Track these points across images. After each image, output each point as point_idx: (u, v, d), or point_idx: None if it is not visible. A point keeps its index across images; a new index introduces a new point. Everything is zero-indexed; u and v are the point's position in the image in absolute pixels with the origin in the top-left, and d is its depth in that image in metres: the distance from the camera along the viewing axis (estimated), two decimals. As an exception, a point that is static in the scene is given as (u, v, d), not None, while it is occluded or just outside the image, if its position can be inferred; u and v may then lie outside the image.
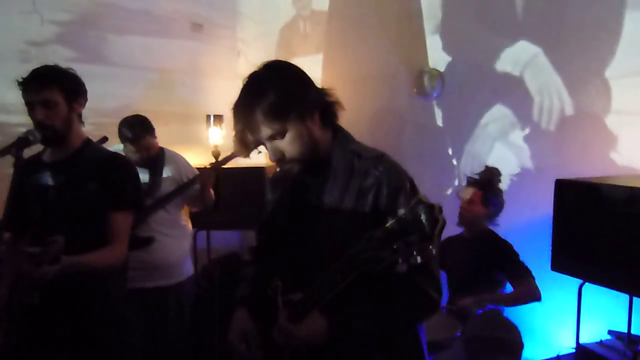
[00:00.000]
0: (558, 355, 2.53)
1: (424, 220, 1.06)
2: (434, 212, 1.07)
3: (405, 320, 1.39)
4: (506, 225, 2.82)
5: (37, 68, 1.84)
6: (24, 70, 1.85)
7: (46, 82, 1.79)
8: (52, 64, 1.87)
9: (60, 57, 3.23)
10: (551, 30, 2.90)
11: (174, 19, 3.98)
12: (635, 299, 2.37)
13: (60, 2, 3.34)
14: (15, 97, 1.87)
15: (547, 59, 2.92)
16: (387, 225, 1.11)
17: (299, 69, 1.41)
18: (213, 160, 3.95)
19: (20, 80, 1.83)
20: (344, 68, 3.81)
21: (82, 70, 1.97)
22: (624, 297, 2.41)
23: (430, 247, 1.08)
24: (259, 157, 1.49)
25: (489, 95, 3.16)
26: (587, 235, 2.28)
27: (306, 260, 1.40)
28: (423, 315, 1.42)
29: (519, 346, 2.37)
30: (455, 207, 2.80)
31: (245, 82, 1.36)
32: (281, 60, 1.44)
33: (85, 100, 1.90)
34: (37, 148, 1.89)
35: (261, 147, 1.39)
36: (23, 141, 1.72)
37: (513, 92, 3.06)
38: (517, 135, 3.07)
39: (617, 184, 2.22)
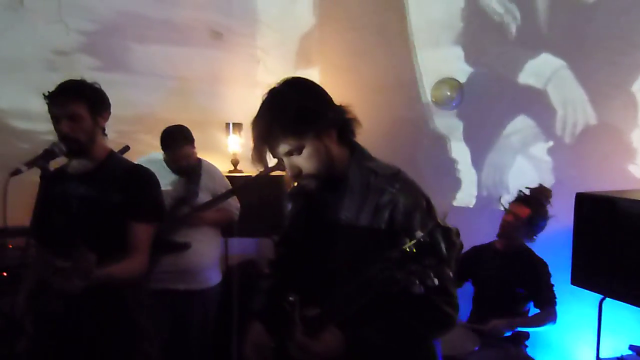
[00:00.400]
0: (578, 371, 2.51)
1: (441, 244, 1.08)
2: (452, 235, 1.09)
3: (421, 335, 1.40)
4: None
5: (64, 82, 1.87)
6: (49, 79, 1.90)
7: (72, 96, 1.82)
8: (78, 78, 1.91)
9: (85, 65, 3.30)
10: (576, 44, 2.88)
11: (194, 28, 4.03)
12: (657, 315, 2.34)
13: (86, 13, 3.40)
14: (40, 105, 1.90)
15: (571, 72, 2.89)
16: (405, 247, 1.13)
17: (318, 85, 1.42)
18: (232, 168, 4.00)
19: (47, 93, 1.86)
20: (362, 77, 3.82)
21: (104, 78, 2.01)
22: (646, 313, 2.38)
23: (447, 269, 1.09)
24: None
25: (509, 106, 3.15)
26: (607, 249, 2.26)
27: (321, 275, 1.41)
28: (439, 331, 1.42)
29: None
30: (475, 217, 2.79)
31: (264, 98, 1.38)
32: (300, 77, 1.45)
33: (109, 114, 1.94)
34: (61, 159, 1.93)
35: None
36: (49, 153, 1.76)
37: (534, 104, 3.04)
38: (538, 147, 3.05)
39: (638, 198, 2.19)
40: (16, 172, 1.68)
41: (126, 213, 1.86)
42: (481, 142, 3.30)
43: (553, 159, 2.99)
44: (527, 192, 2.77)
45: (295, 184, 1.60)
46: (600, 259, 2.29)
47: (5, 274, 2.76)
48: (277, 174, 3.69)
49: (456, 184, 3.38)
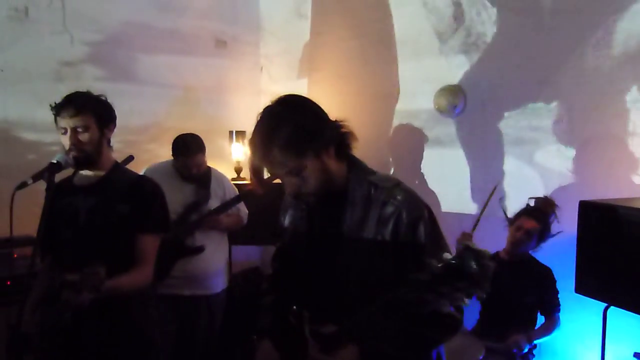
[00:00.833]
0: (583, 379, 2.50)
1: (473, 267, 1.09)
2: (484, 259, 1.09)
3: (432, 341, 1.41)
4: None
5: (71, 94, 1.89)
6: (55, 89, 1.92)
7: (81, 108, 1.84)
8: (85, 89, 1.93)
9: (90, 76, 3.32)
10: (579, 49, 2.88)
11: (199, 37, 4.06)
12: (662, 323, 2.33)
13: (91, 23, 3.43)
14: (47, 115, 1.92)
15: (573, 78, 2.89)
16: (434, 269, 1.13)
17: (313, 103, 1.43)
18: (235, 176, 4.02)
19: (54, 104, 1.88)
20: (365, 85, 3.83)
21: (110, 88, 2.04)
22: (651, 321, 2.37)
23: (479, 291, 1.11)
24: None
25: (513, 114, 3.14)
26: (611, 257, 2.25)
27: (328, 289, 1.41)
28: (448, 335, 1.42)
29: None
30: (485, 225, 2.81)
31: (260, 118, 1.37)
32: (295, 95, 1.45)
33: (115, 125, 1.96)
34: (66, 172, 1.95)
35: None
36: (55, 166, 1.77)
37: (537, 112, 3.04)
38: (542, 155, 3.04)
39: (643, 206, 2.19)
40: (22, 185, 1.70)
41: (132, 225, 1.88)
42: (484, 150, 3.29)
43: (557, 166, 2.98)
44: (533, 203, 2.77)
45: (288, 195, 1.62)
46: (604, 267, 2.28)
47: (9, 282, 2.78)
48: (281, 182, 3.69)
49: (458, 192, 3.38)
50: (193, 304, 2.94)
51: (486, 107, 3.25)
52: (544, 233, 2.71)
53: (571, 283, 2.41)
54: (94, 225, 1.86)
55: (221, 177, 3.14)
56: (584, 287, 2.38)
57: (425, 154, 3.57)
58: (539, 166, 3.06)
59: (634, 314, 2.28)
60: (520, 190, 3.02)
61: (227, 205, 3.01)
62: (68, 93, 1.91)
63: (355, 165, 1.46)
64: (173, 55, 3.87)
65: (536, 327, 2.74)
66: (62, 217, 1.88)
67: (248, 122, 4.38)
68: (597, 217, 2.32)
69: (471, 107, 3.31)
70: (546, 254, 2.78)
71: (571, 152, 2.92)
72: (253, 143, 1.36)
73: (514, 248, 2.75)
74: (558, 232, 2.71)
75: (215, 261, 3.03)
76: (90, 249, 1.84)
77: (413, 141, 3.61)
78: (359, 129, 1.46)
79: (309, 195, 1.40)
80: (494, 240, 2.83)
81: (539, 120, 3.04)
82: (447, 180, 3.44)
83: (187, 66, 3.97)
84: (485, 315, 2.82)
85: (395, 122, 3.72)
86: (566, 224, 2.64)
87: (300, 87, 4.11)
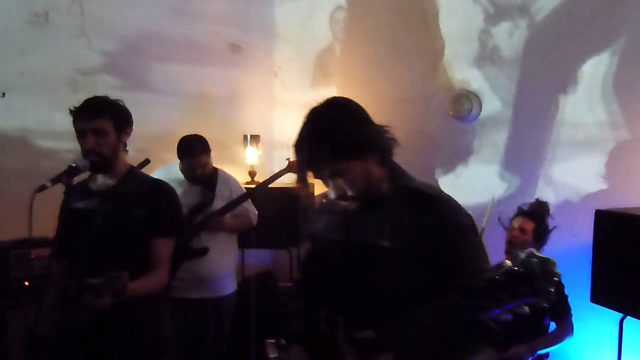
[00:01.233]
0: (598, 390, 2.47)
1: (537, 274, 1.07)
2: (549, 266, 1.08)
3: (468, 352, 1.36)
4: (544, 252, 2.78)
5: (90, 98, 1.92)
6: (72, 98, 1.94)
7: (99, 111, 1.87)
8: (103, 95, 1.96)
9: (106, 85, 3.34)
10: (595, 59, 2.86)
11: (213, 42, 4.09)
12: (679, 334, 2.29)
13: (108, 31, 3.46)
14: (63, 123, 1.94)
15: (591, 87, 2.87)
16: (493, 274, 1.11)
17: (359, 106, 1.43)
18: (249, 179, 4.04)
19: (73, 108, 1.91)
20: (379, 90, 3.83)
21: (126, 97, 2.04)
22: (668, 332, 2.33)
23: (542, 300, 1.09)
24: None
25: (529, 120, 3.13)
26: (628, 266, 2.23)
27: (364, 296, 1.39)
28: (483, 347, 1.37)
29: None
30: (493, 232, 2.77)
31: (306, 119, 1.37)
32: (343, 98, 1.45)
33: (131, 130, 1.98)
34: (82, 175, 1.96)
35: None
36: (73, 169, 1.79)
37: (553, 119, 3.02)
38: (558, 162, 3.02)
39: (660, 216, 2.17)
40: (41, 188, 1.72)
41: (148, 228, 1.89)
42: (499, 157, 3.28)
43: (574, 173, 2.96)
44: (526, 207, 2.76)
45: (323, 199, 1.61)
46: (620, 277, 2.26)
47: (27, 283, 2.82)
48: (292, 186, 3.71)
49: (472, 198, 3.36)
50: (201, 307, 2.92)
51: (501, 114, 3.24)
52: (540, 231, 2.69)
53: (587, 292, 2.39)
54: (110, 229, 1.88)
55: (227, 178, 3.11)
56: (599, 297, 2.36)
57: (439, 159, 3.56)
58: (555, 174, 3.03)
59: (651, 325, 2.25)
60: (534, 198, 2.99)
61: (231, 205, 2.98)
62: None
63: (396, 172, 1.45)
64: (187, 63, 3.89)
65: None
66: (78, 221, 1.90)
67: (262, 126, 4.44)
68: (613, 225, 2.30)
69: (487, 114, 3.30)
70: (561, 262, 2.73)
71: (587, 161, 2.90)
72: (300, 145, 1.36)
73: (510, 247, 2.73)
74: (554, 227, 2.68)
75: (222, 263, 3.00)
76: (106, 253, 1.86)
77: (428, 146, 3.60)
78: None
79: (351, 199, 1.39)
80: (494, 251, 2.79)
81: (554, 127, 3.02)
82: (461, 187, 3.42)
83: (202, 74, 3.99)
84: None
85: (410, 127, 3.71)
86: (582, 232, 2.61)
87: (315, 95, 4.12)
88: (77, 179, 1.89)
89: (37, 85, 3.18)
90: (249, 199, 3.16)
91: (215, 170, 3.07)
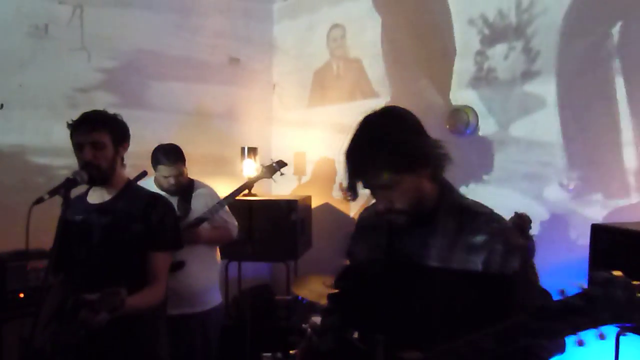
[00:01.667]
0: (595, 407, 2.45)
1: (620, 299, 1.01)
2: (635, 292, 1.02)
3: None
4: (540, 266, 2.77)
5: (88, 112, 1.93)
6: (71, 115, 1.95)
7: (97, 125, 1.88)
8: (101, 109, 1.97)
9: (105, 102, 3.34)
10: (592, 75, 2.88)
11: (212, 56, 4.12)
12: (676, 350, 2.29)
13: (106, 46, 3.49)
14: (60, 140, 1.95)
15: (592, 101, 2.89)
16: (568, 298, 1.08)
17: (416, 118, 1.38)
18: (246, 192, 4.03)
19: (71, 121, 1.92)
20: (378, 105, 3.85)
21: (123, 114, 2.05)
22: (664, 348, 2.33)
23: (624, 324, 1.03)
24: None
25: (526, 134, 3.14)
26: (624, 281, 2.23)
27: (408, 315, 1.35)
28: None
29: None
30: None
31: (361, 127, 1.33)
32: (400, 108, 1.40)
33: (129, 144, 1.99)
34: (80, 188, 1.96)
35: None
36: (71, 182, 1.79)
37: (550, 133, 3.03)
38: (554, 175, 3.03)
39: (655, 231, 2.17)
40: (39, 200, 1.72)
41: (146, 243, 1.89)
42: (496, 171, 3.29)
43: (569, 189, 2.97)
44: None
45: (364, 212, 1.58)
46: (616, 292, 2.26)
47: (22, 295, 2.81)
48: (291, 198, 3.73)
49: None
50: (183, 323, 2.76)
51: (498, 128, 3.26)
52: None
53: (583, 307, 2.38)
54: (107, 243, 1.88)
55: (203, 189, 3.00)
56: (595, 311, 2.35)
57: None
58: (551, 189, 3.04)
59: (647, 340, 2.25)
60: (530, 211, 3.00)
61: (207, 213, 2.88)
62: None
63: (447, 189, 1.40)
64: (186, 80, 3.90)
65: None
66: (75, 235, 1.91)
67: (259, 138, 4.43)
68: (609, 240, 2.30)
69: (484, 128, 3.32)
70: (557, 277, 2.75)
71: (585, 173, 2.91)
72: (353, 152, 1.32)
73: None
74: (532, 235, 2.68)
75: (202, 277, 2.88)
76: (103, 266, 1.86)
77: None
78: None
79: (400, 213, 1.34)
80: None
81: (551, 141, 3.03)
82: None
83: (200, 90, 4.01)
84: None
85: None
86: (578, 246, 2.62)
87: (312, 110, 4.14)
88: (74, 192, 1.89)
89: (35, 98, 3.19)
90: (229, 211, 3.06)
91: (191, 181, 2.99)
